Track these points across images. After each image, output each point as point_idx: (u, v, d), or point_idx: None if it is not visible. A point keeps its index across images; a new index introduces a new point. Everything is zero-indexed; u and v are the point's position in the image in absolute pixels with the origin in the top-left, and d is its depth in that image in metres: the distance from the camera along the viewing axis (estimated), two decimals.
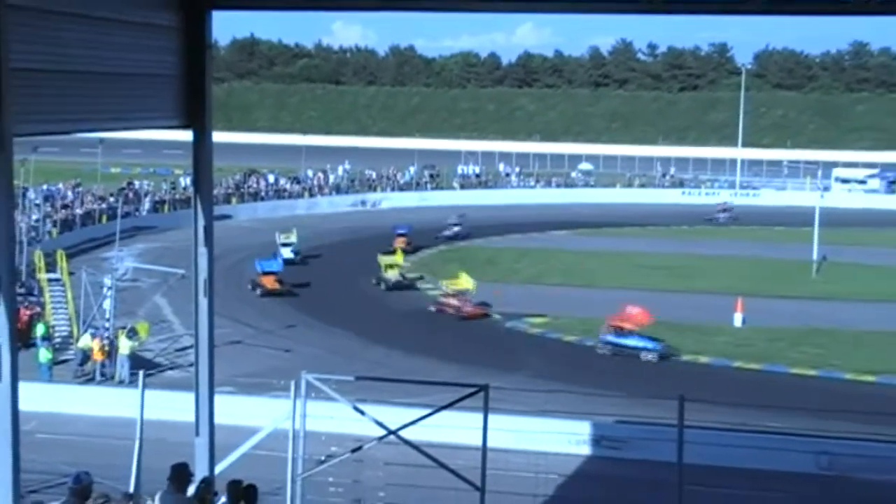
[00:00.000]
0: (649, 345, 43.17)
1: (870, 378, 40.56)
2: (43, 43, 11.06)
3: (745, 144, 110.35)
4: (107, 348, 38.25)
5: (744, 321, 48.57)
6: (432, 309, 51.14)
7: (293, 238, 64.56)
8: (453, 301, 50.18)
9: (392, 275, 56.37)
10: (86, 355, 38.34)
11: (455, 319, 48.97)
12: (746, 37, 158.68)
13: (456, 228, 73.35)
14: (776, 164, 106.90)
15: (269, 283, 53.47)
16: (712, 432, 26.15)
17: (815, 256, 62.42)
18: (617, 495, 26.36)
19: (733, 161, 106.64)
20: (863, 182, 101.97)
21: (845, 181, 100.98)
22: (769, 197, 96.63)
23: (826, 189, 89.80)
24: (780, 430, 30.80)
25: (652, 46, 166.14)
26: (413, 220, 73.37)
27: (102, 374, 38.00)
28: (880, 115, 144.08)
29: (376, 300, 53.71)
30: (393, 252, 60.63)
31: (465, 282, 50.45)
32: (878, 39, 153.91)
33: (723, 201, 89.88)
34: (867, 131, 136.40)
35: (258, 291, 53.01)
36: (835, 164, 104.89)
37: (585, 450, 31.49)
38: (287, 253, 63.14)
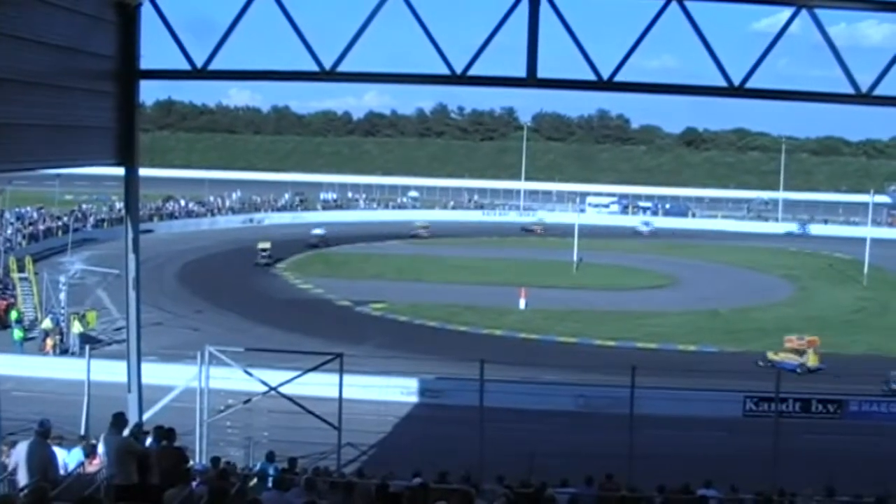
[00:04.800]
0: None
1: (612, 343, 41.97)
2: (18, 105, 10.91)
3: (526, 179, 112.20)
4: (59, 338, 37.45)
5: (526, 305, 49.36)
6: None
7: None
8: None
9: None
10: (47, 334, 37.53)
11: (319, 303, 47.92)
12: (527, 103, 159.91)
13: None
14: (548, 193, 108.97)
15: None
16: (503, 384, 26.62)
17: (575, 258, 63.85)
18: (435, 430, 26.72)
19: (518, 191, 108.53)
20: (606, 206, 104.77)
21: (595, 206, 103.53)
22: (543, 216, 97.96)
23: (582, 211, 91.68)
24: (551, 381, 31.66)
25: (461, 108, 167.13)
26: (287, 233, 72.69)
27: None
28: (617, 161, 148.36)
29: (261, 290, 52.92)
30: None
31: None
32: (616, 107, 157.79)
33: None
34: (609, 172, 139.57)
35: None
36: (588, 194, 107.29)
37: (414, 398, 31.78)
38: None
